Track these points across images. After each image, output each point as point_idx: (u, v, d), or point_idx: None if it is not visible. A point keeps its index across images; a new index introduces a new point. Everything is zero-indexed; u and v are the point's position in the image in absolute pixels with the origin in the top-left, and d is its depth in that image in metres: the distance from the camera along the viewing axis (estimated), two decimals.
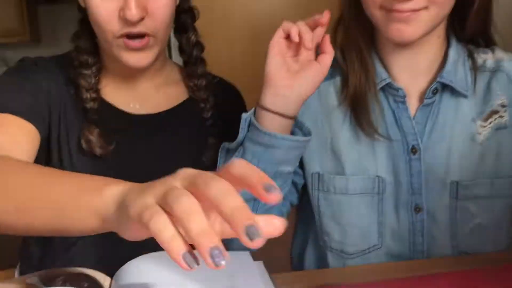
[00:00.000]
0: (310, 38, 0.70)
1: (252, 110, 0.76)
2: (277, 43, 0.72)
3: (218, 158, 0.82)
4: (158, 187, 0.43)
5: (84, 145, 0.84)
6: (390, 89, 0.79)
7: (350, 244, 0.82)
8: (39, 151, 0.84)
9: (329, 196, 0.82)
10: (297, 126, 0.77)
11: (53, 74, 0.86)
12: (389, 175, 0.79)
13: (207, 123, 0.93)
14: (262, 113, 0.73)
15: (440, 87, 0.78)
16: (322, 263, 0.88)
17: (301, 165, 0.84)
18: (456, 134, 0.78)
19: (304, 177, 0.85)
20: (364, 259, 0.82)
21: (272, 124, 0.73)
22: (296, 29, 0.70)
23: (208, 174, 0.41)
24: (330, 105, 0.82)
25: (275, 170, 0.75)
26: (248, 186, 0.40)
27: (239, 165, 0.41)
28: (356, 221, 0.81)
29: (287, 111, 0.73)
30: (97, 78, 0.87)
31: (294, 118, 0.75)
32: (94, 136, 0.84)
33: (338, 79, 0.83)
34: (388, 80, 0.78)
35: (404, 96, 0.78)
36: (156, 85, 0.92)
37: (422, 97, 0.79)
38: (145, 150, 0.89)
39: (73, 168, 0.85)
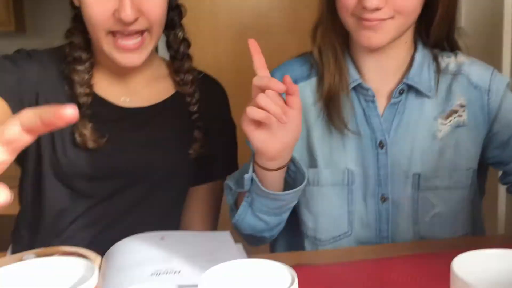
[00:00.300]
0: (280, 112, 0.69)
1: (251, 168, 0.79)
2: (247, 123, 0.73)
3: (226, 194, 0.88)
4: None
5: (78, 138, 0.87)
6: (361, 89, 0.86)
7: (322, 231, 0.89)
8: None
9: (304, 188, 0.89)
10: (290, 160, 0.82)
11: (47, 68, 0.89)
12: (358, 167, 0.87)
13: (193, 117, 0.98)
14: (261, 171, 0.78)
15: (406, 88, 0.86)
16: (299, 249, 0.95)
17: None
18: (419, 131, 0.86)
19: None
20: (335, 245, 0.89)
21: (272, 176, 0.78)
22: (263, 115, 0.69)
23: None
24: (307, 104, 0.89)
25: (284, 210, 0.83)
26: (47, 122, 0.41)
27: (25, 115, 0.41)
28: (327, 210, 0.88)
29: (283, 163, 0.78)
30: (90, 73, 0.90)
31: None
32: (87, 131, 0.87)
33: (314, 80, 0.89)
34: (359, 81, 0.86)
35: (373, 96, 0.85)
36: (146, 80, 0.96)
37: (389, 97, 0.86)
38: (135, 142, 0.93)
39: (67, 158, 0.89)
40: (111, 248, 0.74)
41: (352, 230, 0.89)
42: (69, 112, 0.39)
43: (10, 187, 1.13)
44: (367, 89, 0.85)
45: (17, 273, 0.49)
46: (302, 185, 0.79)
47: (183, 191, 1.02)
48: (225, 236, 0.76)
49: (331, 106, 0.85)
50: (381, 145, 0.85)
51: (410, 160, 0.85)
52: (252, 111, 0.70)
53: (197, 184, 1.03)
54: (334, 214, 0.88)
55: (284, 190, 0.81)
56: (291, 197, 0.81)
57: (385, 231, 0.88)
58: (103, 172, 0.91)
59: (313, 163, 0.88)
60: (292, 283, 0.43)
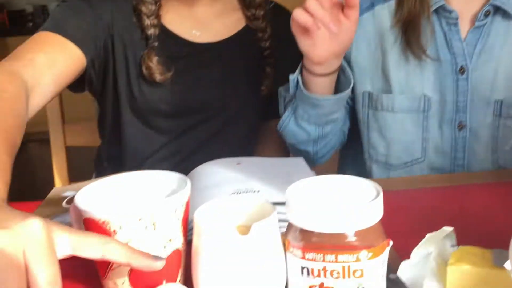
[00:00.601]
0: (328, 20, 0.67)
1: (298, 70, 0.79)
2: (295, 26, 0.71)
3: (279, 104, 0.88)
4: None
5: (144, 71, 0.88)
6: (443, 11, 0.82)
7: (394, 156, 0.89)
8: (97, 78, 0.89)
9: (377, 113, 0.88)
10: (341, 69, 0.81)
11: (119, 4, 0.89)
12: (435, 94, 0.84)
13: (265, 53, 0.96)
14: (308, 76, 0.77)
15: (492, 10, 0.81)
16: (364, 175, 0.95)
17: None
18: (505, 56, 0.81)
19: (354, 96, 0.91)
20: (407, 172, 0.89)
21: (318, 81, 0.77)
22: (309, 20, 0.68)
23: (43, 259, 0.38)
24: (383, 27, 0.86)
25: (326, 120, 0.83)
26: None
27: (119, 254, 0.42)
28: (400, 136, 0.87)
29: (329, 70, 0.77)
30: (158, 4, 0.89)
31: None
32: (153, 63, 0.88)
33: (392, 2, 0.86)
34: (441, 2, 0.81)
35: (457, 18, 0.81)
36: (215, 12, 0.95)
37: (473, 20, 0.82)
38: (206, 79, 0.94)
39: (141, 93, 0.91)
40: (190, 173, 0.77)
41: (426, 156, 0.88)
42: (159, 266, 0.43)
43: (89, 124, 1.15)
44: (451, 11, 0.81)
45: (110, 185, 0.53)
46: (344, 93, 0.79)
47: (255, 126, 1.04)
48: (299, 161, 0.77)
49: (409, 30, 0.82)
50: (462, 70, 0.82)
51: (493, 86, 0.82)
52: (298, 14, 0.68)
53: (269, 119, 1.04)
54: (407, 140, 0.88)
55: None
56: (331, 104, 0.80)
57: (460, 159, 0.86)
58: (176, 108, 0.93)
59: (387, 89, 0.87)
60: (377, 195, 0.44)
